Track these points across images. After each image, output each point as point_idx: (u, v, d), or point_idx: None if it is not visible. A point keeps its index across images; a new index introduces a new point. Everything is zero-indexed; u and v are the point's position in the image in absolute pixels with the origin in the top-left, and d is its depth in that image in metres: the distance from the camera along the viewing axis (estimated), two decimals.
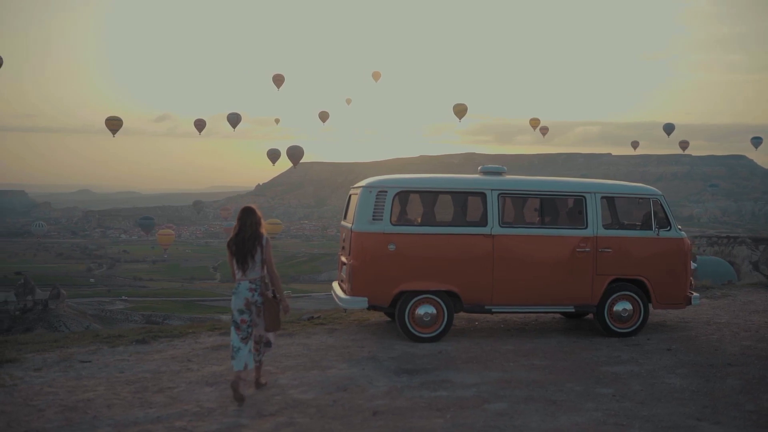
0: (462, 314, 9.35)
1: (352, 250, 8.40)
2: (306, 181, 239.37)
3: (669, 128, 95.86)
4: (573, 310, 8.72)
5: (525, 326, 9.41)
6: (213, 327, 9.16)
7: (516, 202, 8.90)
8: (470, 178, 8.92)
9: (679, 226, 8.99)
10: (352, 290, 8.33)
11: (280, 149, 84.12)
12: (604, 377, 6.88)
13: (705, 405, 5.97)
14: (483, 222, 8.46)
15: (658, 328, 9.16)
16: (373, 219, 8.27)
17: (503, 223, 8.49)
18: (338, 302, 8.69)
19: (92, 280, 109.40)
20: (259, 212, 6.38)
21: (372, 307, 8.50)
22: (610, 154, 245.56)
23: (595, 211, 8.64)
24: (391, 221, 8.29)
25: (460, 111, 79.65)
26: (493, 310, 8.54)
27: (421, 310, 8.29)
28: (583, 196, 8.69)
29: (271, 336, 6.45)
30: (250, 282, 6.21)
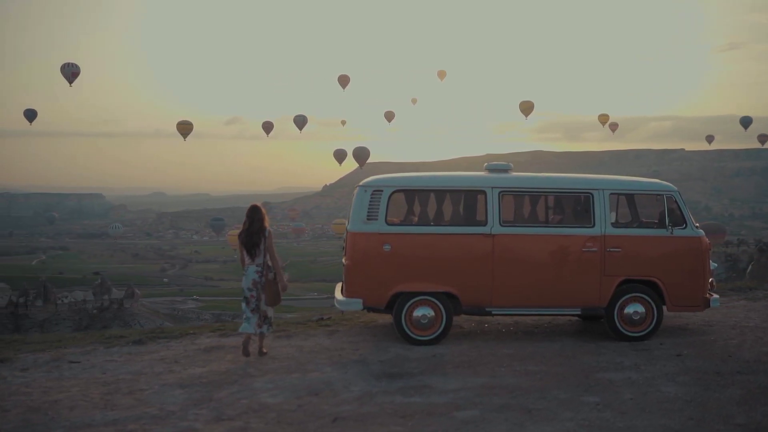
0: (473, 317, 9.08)
1: (347, 250, 8.25)
2: None
3: (746, 121, 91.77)
4: (579, 313, 8.34)
5: (535, 328, 9.04)
6: (216, 329, 9.17)
7: (518, 200, 8.56)
8: (469, 175, 8.63)
9: (697, 224, 8.47)
10: (347, 291, 8.18)
11: (346, 149, 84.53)
12: (596, 384, 6.51)
13: (691, 417, 5.55)
14: (483, 221, 8.17)
15: (675, 332, 8.65)
16: (368, 219, 8.09)
17: (504, 222, 8.17)
18: (336, 304, 8.55)
19: (166, 279, 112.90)
20: (263, 209, 7.68)
21: (369, 309, 8.34)
22: (683, 150, 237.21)
23: (603, 209, 8.22)
24: (386, 221, 8.09)
25: (527, 108, 78.34)
26: (494, 312, 8.23)
27: (418, 312, 8.06)
28: (591, 194, 8.27)
29: (269, 311, 7.52)
30: (257, 266, 7.46)
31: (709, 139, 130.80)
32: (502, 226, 8.12)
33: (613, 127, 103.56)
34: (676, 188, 8.54)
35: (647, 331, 8.24)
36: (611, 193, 8.34)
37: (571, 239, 8.22)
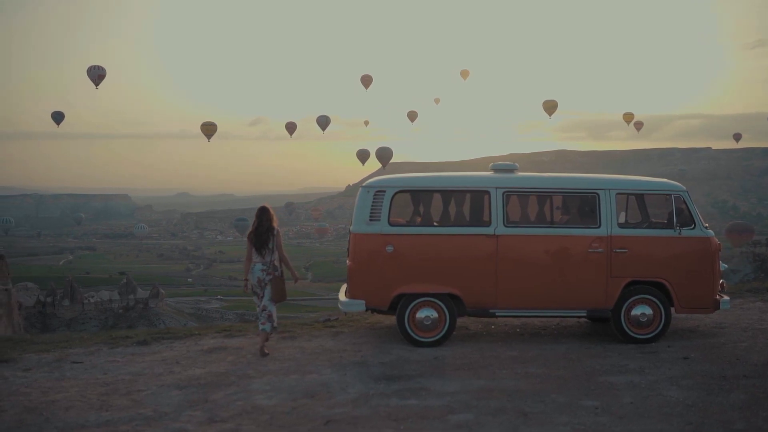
0: (480, 318, 8.99)
1: (350, 251, 8.22)
2: None
3: None
4: (585, 315, 8.23)
5: (542, 330, 8.93)
6: (222, 329, 9.18)
7: (523, 200, 8.46)
8: (473, 175, 8.55)
9: (706, 225, 8.31)
10: (350, 293, 8.15)
11: (369, 149, 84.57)
12: (596, 388, 6.40)
13: (690, 422, 5.43)
14: (487, 222, 8.09)
15: (684, 334, 8.49)
16: (371, 220, 8.06)
17: (508, 223, 8.08)
18: (339, 305, 8.52)
19: (190, 279, 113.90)
20: (272, 210, 8.00)
21: (372, 310, 8.30)
22: (710, 149, 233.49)
23: (609, 209, 8.09)
24: (389, 222, 8.05)
25: (551, 107, 77.72)
26: (498, 314, 8.14)
27: (421, 314, 8.01)
28: (597, 194, 8.16)
29: (273, 311, 7.79)
30: (263, 264, 7.79)
31: (737, 137, 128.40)
32: (506, 226, 8.04)
33: (638, 125, 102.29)
34: (684, 188, 8.38)
35: (655, 333, 8.10)
36: (618, 193, 8.22)
37: (576, 240, 8.11)
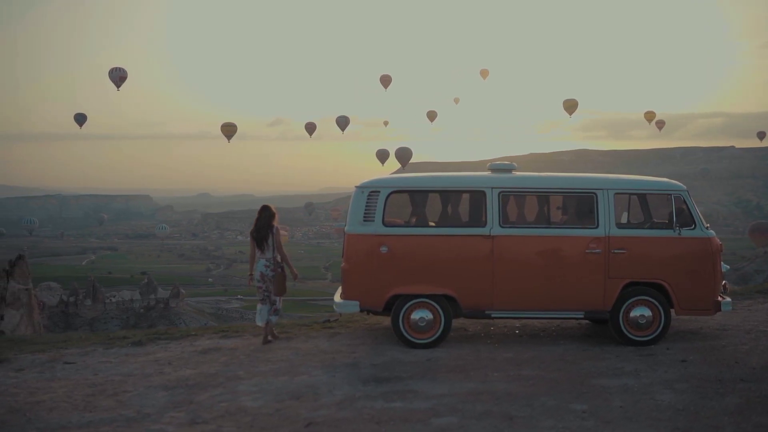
0: (480, 320, 8.90)
1: (344, 252, 8.18)
2: None
3: None
4: (582, 317, 8.10)
5: (541, 332, 8.82)
6: (219, 330, 9.18)
7: (519, 200, 8.35)
8: (469, 176, 8.48)
9: (707, 225, 8.15)
10: (345, 293, 8.11)
11: (389, 150, 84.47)
12: (588, 391, 6.28)
13: (677, 427, 5.30)
14: (482, 222, 8.00)
15: (685, 336, 8.33)
16: (365, 220, 8.01)
17: (505, 224, 7.98)
18: (334, 306, 8.48)
19: (210, 279, 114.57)
20: (273, 209, 8.46)
21: (367, 312, 8.25)
22: (733, 147, 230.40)
23: (607, 209, 7.97)
24: (383, 222, 7.99)
25: (571, 106, 77.13)
26: (494, 315, 8.05)
27: (416, 315, 7.94)
28: (594, 193, 8.04)
29: (278, 304, 8.30)
30: (265, 260, 8.26)
31: (761, 135, 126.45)
32: (502, 227, 7.94)
33: (660, 124, 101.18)
34: (684, 187, 8.23)
35: (654, 335, 7.96)
36: (616, 193, 8.09)
37: (573, 240, 7.99)
